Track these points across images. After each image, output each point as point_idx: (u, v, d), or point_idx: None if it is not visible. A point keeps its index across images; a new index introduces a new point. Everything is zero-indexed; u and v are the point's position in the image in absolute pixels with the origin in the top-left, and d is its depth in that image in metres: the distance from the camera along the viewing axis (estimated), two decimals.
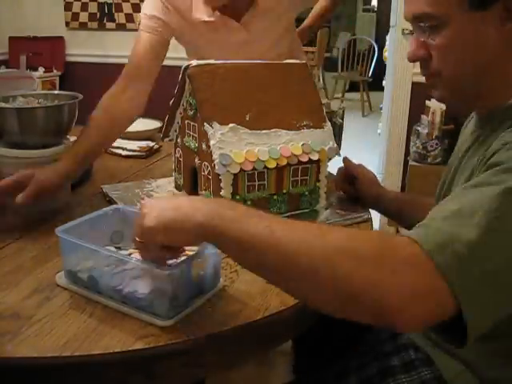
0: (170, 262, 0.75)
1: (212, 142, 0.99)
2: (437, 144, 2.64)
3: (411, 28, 0.82)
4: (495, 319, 0.61)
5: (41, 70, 3.31)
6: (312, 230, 0.64)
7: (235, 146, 1.00)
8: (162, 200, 0.76)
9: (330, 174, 1.29)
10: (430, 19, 0.76)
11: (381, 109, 4.28)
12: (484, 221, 0.59)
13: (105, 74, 3.39)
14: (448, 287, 0.57)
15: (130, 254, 0.85)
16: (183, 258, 0.80)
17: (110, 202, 1.18)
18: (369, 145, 4.85)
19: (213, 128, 1.00)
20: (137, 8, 3.18)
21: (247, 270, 0.90)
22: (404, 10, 0.81)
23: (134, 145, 1.63)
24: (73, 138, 1.20)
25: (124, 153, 1.61)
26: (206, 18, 1.35)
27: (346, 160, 1.24)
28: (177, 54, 2.54)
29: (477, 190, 0.64)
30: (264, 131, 1.04)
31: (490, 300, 0.60)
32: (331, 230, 0.64)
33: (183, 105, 1.13)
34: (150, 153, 1.61)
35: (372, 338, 1.00)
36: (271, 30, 1.46)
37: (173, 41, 1.41)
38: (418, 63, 0.84)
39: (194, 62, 1.06)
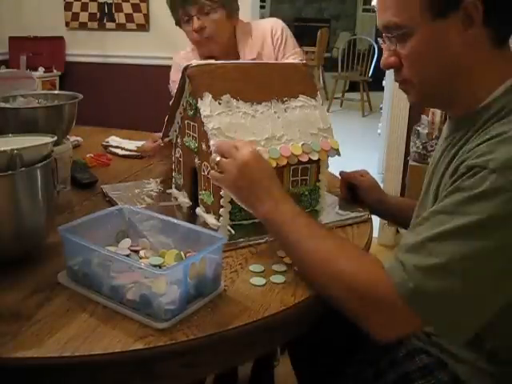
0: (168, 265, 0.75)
1: (212, 142, 0.99)
2: (437, 144, 2.63)
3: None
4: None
5: (41, 70, 3.31)
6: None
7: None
8: (240, 174, 0.89)
9: (331, 174, 1.29)
10: (397, 29, 0.80)
11: (381, 109, 4.28)
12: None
13: (105, 74, 3.40)
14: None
15: (141, 258, 0.85)
16: (181, 261, 0.80)
17: (110, 202, 1.18)
18: (369, 145, 4.85)
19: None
20: (137, 8, 3.17)
21: (247, 271, 0.90)
22: (377, 20, 0.85)
23: (133, 145, 1.64)
24: (73, 138, 1.20)
25: (121, 152, 1.61)
26: None
27: (342, 173, 1.24)
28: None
29: (444, 216, 0.72)
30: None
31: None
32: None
33: (183, 105, 1.13)
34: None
35: (376, 346, 0.98)
36: None
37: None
38: None
39: (194, 62, 1.06)
